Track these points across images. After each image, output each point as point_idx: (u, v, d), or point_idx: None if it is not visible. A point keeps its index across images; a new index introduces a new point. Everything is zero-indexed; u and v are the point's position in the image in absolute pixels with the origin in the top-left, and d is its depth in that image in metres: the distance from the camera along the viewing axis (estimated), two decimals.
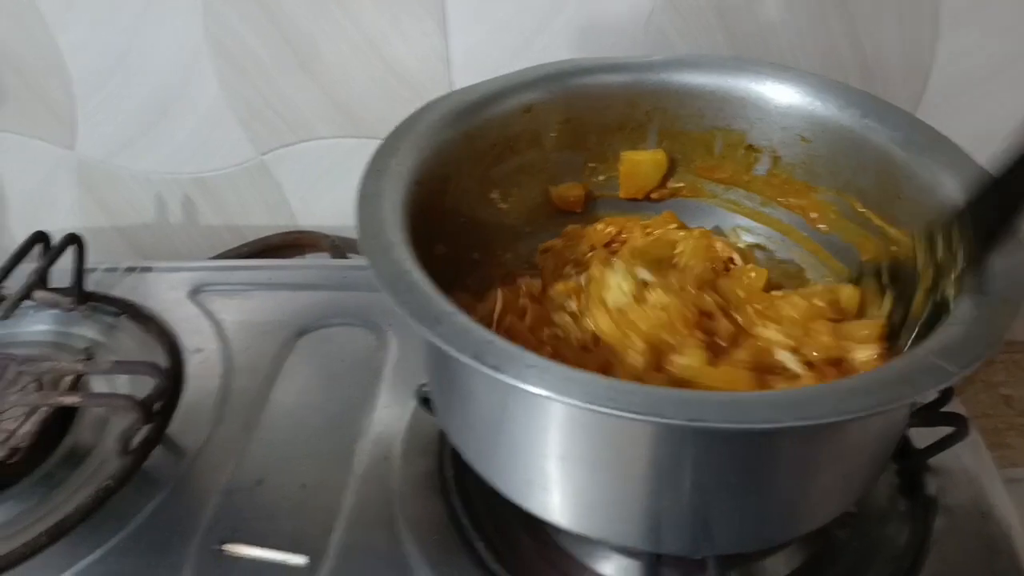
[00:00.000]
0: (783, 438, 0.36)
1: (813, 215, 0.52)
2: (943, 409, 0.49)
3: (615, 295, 0.46)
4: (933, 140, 0.46)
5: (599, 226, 0.56)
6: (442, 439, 0.53)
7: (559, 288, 0.49)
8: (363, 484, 0.52)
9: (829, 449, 0.37)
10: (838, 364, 0.43)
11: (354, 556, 0.47)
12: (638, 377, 0.42)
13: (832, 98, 0.50)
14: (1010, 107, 0.65)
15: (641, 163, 0.56)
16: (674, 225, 0.56)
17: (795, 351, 0.43)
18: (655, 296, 0.45)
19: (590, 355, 0.44)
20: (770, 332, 0.44)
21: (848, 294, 0.47)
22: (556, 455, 0.38)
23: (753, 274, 0.51)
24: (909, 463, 0.50)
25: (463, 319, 0.35)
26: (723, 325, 0.45)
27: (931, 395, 0.50)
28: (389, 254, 0.38)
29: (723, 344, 0.44)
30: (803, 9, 0.64)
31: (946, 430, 0.48)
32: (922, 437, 0.50)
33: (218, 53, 0.71)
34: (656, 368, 0.43)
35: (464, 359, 0.33)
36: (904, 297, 0.44)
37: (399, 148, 0.45)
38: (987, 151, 0.43)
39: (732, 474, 0.36)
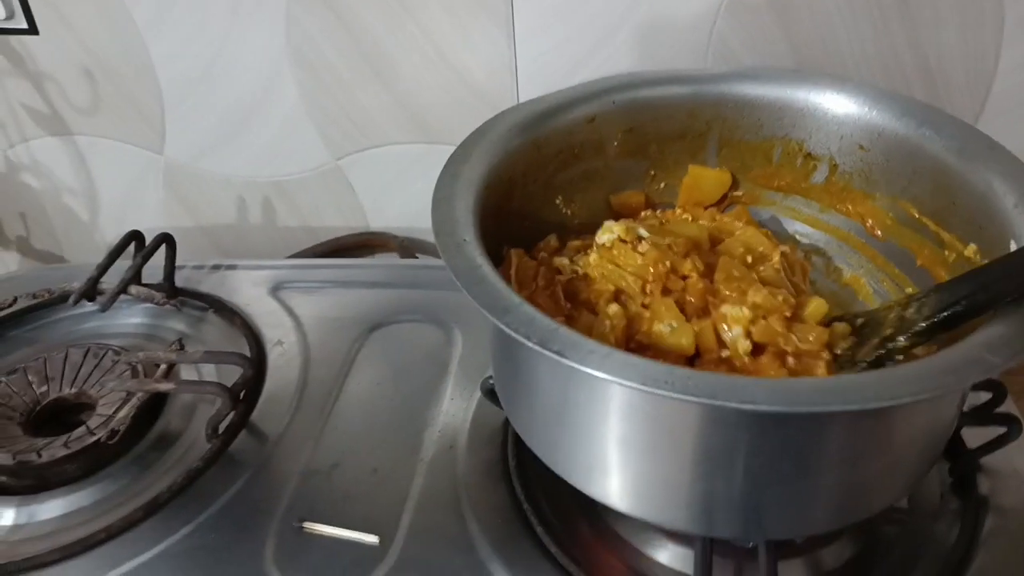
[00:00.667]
0: (831, 424, 0.37)
1: (870, 222, 0.54)
2: (997, 410, 0.50)
3: (607, 235, 0.50)
4: (988, 148, 0.47)
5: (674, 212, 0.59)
6: (505, 430, 0.56)
7: (573, 243, 0.53)
8: (431, 470, 0.55)
9: (877, 438, 0.39)
10: (782, 357, 0.45)
11: (422, 537, 0.51)
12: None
13: (889, 108, 0.51)
14: None
15: (705, 178, 0.58)
16: (743, 220, 0.57)
17: (747, 333, 0.45)
18: (642, 247, 0.49)
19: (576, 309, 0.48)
20: (731, 309, 0.46)
21: (816, 305, 0.49)
22: (615, 439, 0.40)
23: (741, 249, 0.52)
24: (961, 462, 0.51)
25: (529, 309, 0.38)
26: (694, 289, 0.48)
27: (984, 396, 0.51)
28: (462, 250, 0.41)
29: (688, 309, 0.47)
30: (865, 18, 0.65)
31: (999, 430, 0.49)
32: (975, 438, 0.51)
33: (298, 63, 0.75)
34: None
35: (531, 345, 0.36)
36: (864, 338, 0.46)
37: (471, 155, 0.48)
38: None
39: (782, 459, 0.38)
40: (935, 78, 0.66)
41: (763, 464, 0.38)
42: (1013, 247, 0.42)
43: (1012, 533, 0.48)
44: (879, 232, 0.54)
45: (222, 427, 0.58)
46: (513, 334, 0.36)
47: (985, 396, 0.51)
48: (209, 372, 0.64)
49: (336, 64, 0.75)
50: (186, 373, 0.65)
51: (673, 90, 0.57)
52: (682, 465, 0.40)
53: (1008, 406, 0.50)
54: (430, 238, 0.83)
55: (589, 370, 0.35)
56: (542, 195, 0.55)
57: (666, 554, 0.49)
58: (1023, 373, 0.72)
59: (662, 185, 0.59)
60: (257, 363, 0.63)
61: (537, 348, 0.36)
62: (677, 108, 0.57)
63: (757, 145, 0.57)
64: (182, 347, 0.64)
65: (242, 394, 0.60)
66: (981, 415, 0.50)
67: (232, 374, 0.60)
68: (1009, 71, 0.65)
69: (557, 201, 0.57)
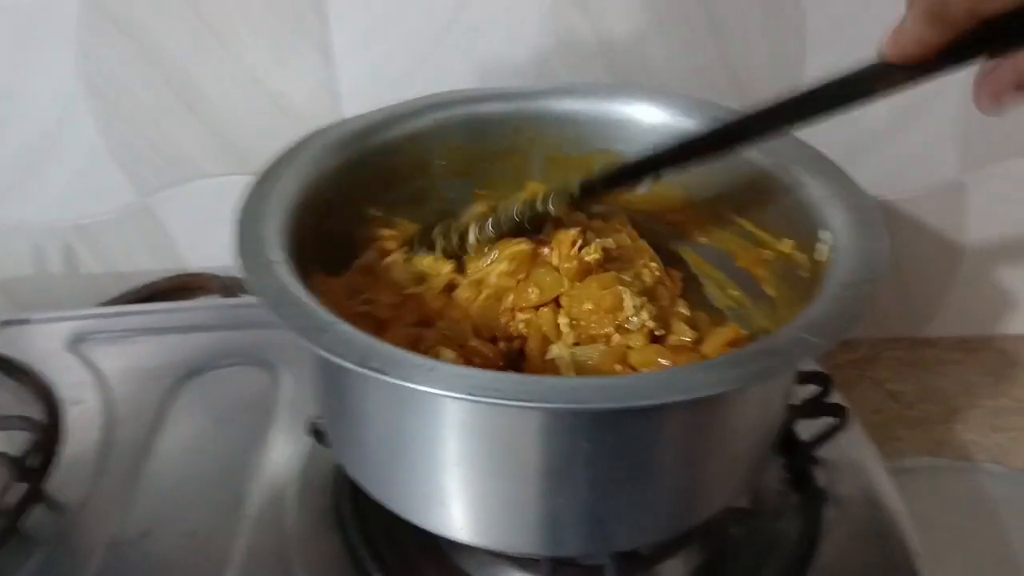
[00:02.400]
0: (667, 420, 0.36)
1: (693, 230, 0.54)
2: (825, 400, 0.51)
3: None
4: (796, 147, 0.48)
5: None
6: (338, 474, 0.52)
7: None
8: (256, 527, 0.50)
9: (713, 431, 0.38)
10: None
11: None
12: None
13: (701, 115, 0.51)
14: (872, 118, 0.68)
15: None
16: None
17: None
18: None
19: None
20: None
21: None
22: (452, 464, 0.38)
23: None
24: (797, 457, 0.52)
25: (347, 328, 0.35)
26: None
27: (813, 389, 0.52)
28: (270, 271, 0.38)
29: None
30: (677, 34, 0.66)
31: (829, 423, 0.50)
32: (808, 433, 0.52)
33: (94, 95, 0.69)
34: None
35: (350, 366, 0.33)
36: None
37: (281, 175, 0.45)
38: (854, 161, 0.46)
39: (621, 464, 0.36)
40: (746, 89, 0.68)
41: (602, 471, 0.37)
42: (822, 238, 0.42)
43: (852, 521, 0.48)
44: (703, 239, 0.54)
45: (9, 502, 0.50)
46: (330, 356, 0.33)
47: (814, 390, 0.52)
48: None
49: (138, 94, 0.69)
50: None
51: (495, 107, 0.56)
52: (522, 482, 0.38)
53: (835, 398, 0.51)
54: None
55: (414, 385, 0.32)
56: (363, 218, 0.52)
57: None
58: (847, 367, 0.77)
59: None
60: (50, 426, 0.56)
61: (357, 368, 0.33)
62: (500, 125, 0.55)
63: (579, 159, 0.56)
64: None
65: (32, 462, 0.52)
66: (811, 408, 0.51)
67: (21, 441, 0.53)
68: (815, 79, 0.68)
69: (378, 224, 0.53)
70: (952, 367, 0.77)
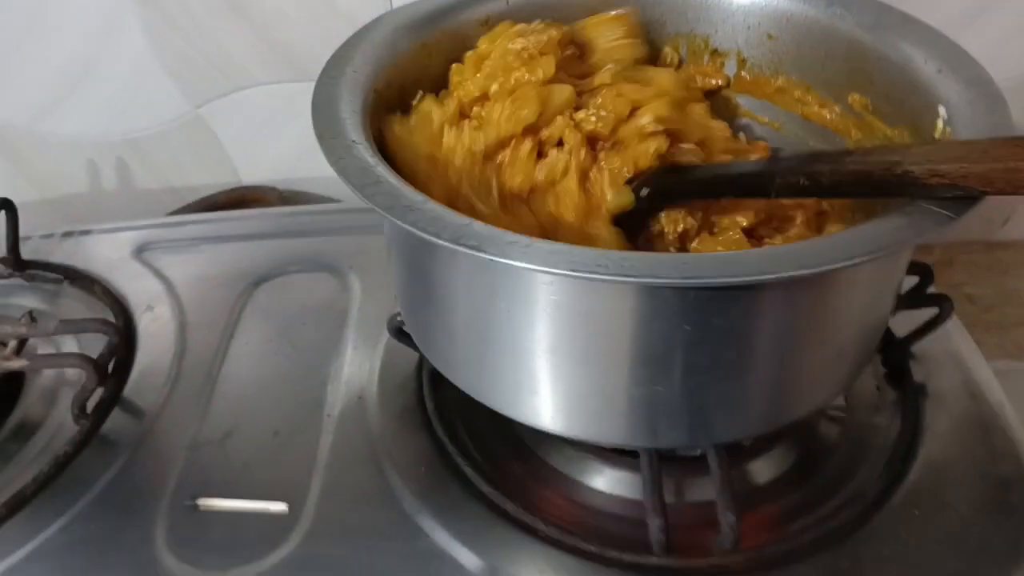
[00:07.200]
0: (778, 299, 0.34)
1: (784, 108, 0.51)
2: (926, 292, 0.48)
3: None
4: (902, 21, 0.44)
5: None
6: (419, 374, 0.51)
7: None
8: (339, 426, 0.49)
9: (826, 314, 0.36)
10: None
11: (336, 498, 0.45)
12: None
13: None
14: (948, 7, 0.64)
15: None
16: None
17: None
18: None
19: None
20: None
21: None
22: (543, 348, 0.36)
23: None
24: (893, 352, 0.50)
25: (436, 207, 0.33)
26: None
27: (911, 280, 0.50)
28: (352, 152, 0.36)
29: None
30: None
31: (924, 318, 0.48)
32: (903, 327, 0.50)
33: (141, 2, 0.67)
34: None
35: (442, 243, 0.31)
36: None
37: (353, 57, 0.43)
38: (961, 33, 0.43)
39: (725, 348, 0.35)
40: None
41: (705, 356, 0.35)
42: (942, 112, 0.40)
43: (953, 416, 0.47)
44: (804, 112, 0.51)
45: (90, 405, 0.50)
46: (421, 234, 0.32)
47: (910, 280, 0.50)
48: (70, 347, 0.56)
49: None
50: (43, 350, 0.56)
51: None
52: (618, 368, 0.36)
53: (934, 289, 0.49)
54: (314, 189, 0.76)
55: (513, 262, 0.30)
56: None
57: (604, 480, 0.45)
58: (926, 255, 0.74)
59: None
60: (125, 331, 0.55)
61: (450, 245, 0.31)
62: (573, 7, 0.52)
63: (662, 44, 0.53)
64: (33, 320, 0.55)
65: (110, 366, 0.52)
66: (912, 299, 0.49)
67: (97, 345, 0.52)
68: None
69: None
70: None
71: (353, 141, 0.37)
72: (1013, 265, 0.75)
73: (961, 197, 0.32)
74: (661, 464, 0.40)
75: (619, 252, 0.32)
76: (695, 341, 0.35)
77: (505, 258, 0.31)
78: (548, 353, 0.37)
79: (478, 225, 0.32)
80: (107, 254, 0.63)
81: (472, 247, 0.31)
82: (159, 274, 0.61)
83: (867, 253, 0.30)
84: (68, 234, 0.66)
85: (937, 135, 0.39)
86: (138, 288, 0.60)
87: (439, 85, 0.49)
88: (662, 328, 0.35)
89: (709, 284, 0.30)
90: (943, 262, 0.75)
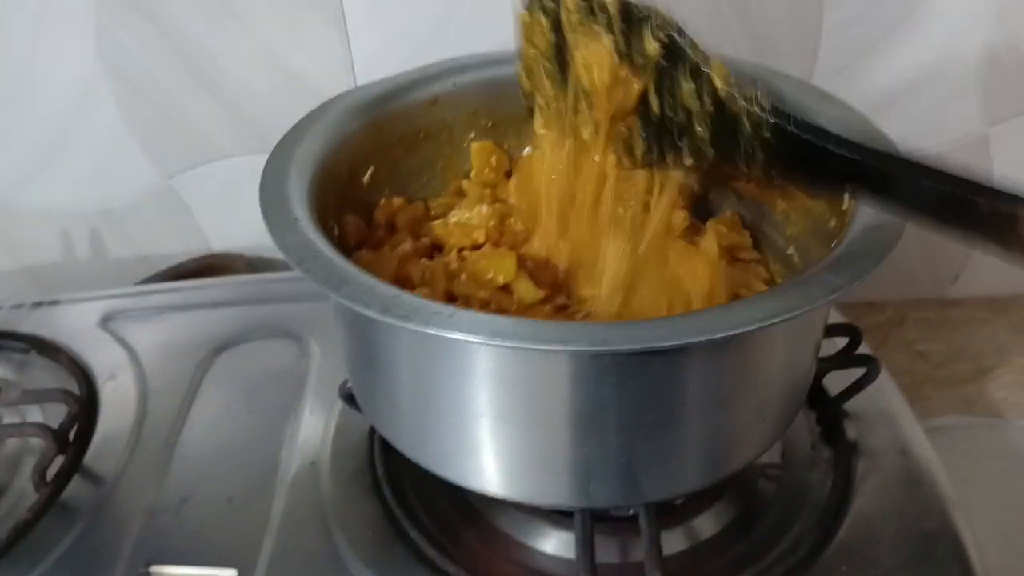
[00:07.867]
0: (693, 363, 0.37)
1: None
2: (854, 352, 0.50)
3: None
4: (820, 98, 0.47)
5: None
6: (371, 437, 0.52)
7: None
8: (292, 491, 0.50)
9: (740, 375, 0.38)
10: None
11: (286, 561, 0.46)
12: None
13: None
14: (898, 70, 0.68)
15: None
16: None
17: None
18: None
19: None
20: None
21: None
22: (476, 412, 0.38)
23: None
24: (826, 410, 0.51)
25: (369, 279, 0.35)
26: None
27: (840, 342, 0.52)
28: (294, 228, 0.38)
29: None
30: None
31: (858, 375, 0.50)
32: (837, 386, 0.52)
33: (114, 77, 0.70)
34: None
35: (372, 314, 0.33)
36: None
37: (303, 137, 0.45)
38: (884, 116, 0.46)
39: (648, 409, 0.36)
40: (764, 47, 0.68)
41: (627, 417, 0.37)
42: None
43: (884, 474, 0.48)
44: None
45: (50, 473, 0.51)
46: (352, 305, 0.34)
47: (841, 342, 0.52)
48: (35, 416, 0.57)
49: (157, 75, 0.70)
50: (8, 419, 0.57)
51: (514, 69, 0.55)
52: (550, 430, 0.38)
53: (864, 349, 0.51)
54: (280, 256, 0.79)
55: (437, 331, 0.32)
56: (389, 180, 0.53)
57: (550, 543, 0.46)
58: (874, 328, 0.76)
59: None
60: (87, 400, 0.56)
61: (380, 317, 0.33)
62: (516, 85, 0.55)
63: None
64: None
65: (71, 434, 0.53)
66: (840, 359, 0.51)
67: (61, 414, 0.54)
68: (831, 32, 0.67)
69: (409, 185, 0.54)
70: (980, 326, 0.76)
71: (296, 218, 0.39)
72: (963, 322, 0.77)
73: None
74: (594, 525, 0.42)
75: (533, 321, 0.34)
76: (616, 403, 0.36)
77: (429, 327, 0.33)
78: (482, 417, 0.38)
79: (407, 296, 0.34)
80: (74, 323, 0.65)
81: (399, 317, 0.33)
82: (123, 343, 0.63)
83: (761, 320, 0.32)
84: (38, 304, 0.68)
85: (844, 207, 0.41)
86: (103, 357, 0.61)
87: (388, 162, 0.52)
88: (584, 392, 0.36)
89: (616, 351, 0.33)
90: (895, 320, 0.78)
